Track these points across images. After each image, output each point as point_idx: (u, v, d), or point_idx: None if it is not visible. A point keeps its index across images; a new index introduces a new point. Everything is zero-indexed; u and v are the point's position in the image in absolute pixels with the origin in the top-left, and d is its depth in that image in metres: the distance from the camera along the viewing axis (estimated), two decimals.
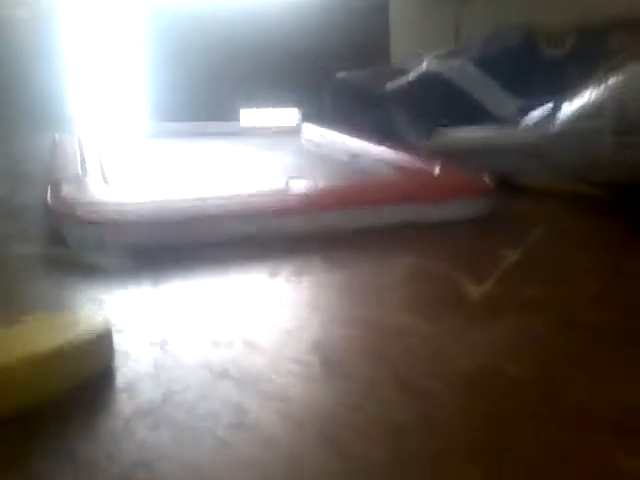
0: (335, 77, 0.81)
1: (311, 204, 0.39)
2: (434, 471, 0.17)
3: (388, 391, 0.21)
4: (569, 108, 0.50)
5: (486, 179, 0.44)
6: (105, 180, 0.46)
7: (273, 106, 1.05)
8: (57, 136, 0.67)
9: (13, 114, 1.12)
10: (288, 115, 0.93)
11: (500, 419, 0.19)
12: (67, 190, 0.41)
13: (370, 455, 0.17)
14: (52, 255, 0.36)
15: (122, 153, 0.65)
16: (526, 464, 0.17)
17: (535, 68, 0.63)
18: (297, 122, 0.82)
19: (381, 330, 0.25)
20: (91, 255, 0.35)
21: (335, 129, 0.69)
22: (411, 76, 0.70)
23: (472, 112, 0.61)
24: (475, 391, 0.20)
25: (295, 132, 0.77)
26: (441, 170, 0.45)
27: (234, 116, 0.95)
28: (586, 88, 0.50)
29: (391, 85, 0.70)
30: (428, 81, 0.68)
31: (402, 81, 0.70)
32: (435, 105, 0.65)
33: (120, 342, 0.24)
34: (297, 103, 1.01)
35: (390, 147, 0.56)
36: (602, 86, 0.49)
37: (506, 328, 0.25)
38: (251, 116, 0.94)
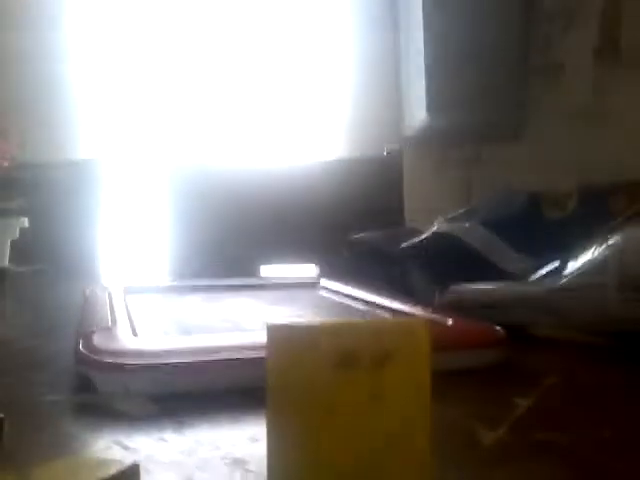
0: (352, 237, 0.85)
1: None
2: None
3: None
4: (574, 265, 0.53)
5: (497, 330, 0.45)
6: (133, 331, 0.48)
7: (292, 263, 1.09)
8: (87, 289, 0.70)
9: (46, 267, 1.18)
10: (306, 271, 0.97)
11: None
12: (97, 340, 0.43)
13: None
14: (81, 401, 0.37)
15: (148, 306, 0.68)
16: None
17: (540, 228, 0.67)
18: (315, 277, 0.85)
19: None
20: (118, 401, 0.36)
21: (352, 285, 0.72)
22: (424, 236, 0.74)
23: (482, 269, 0.64)
24: None
25: (313, 286, 0.79)
26: (454, 321, 0.47)
27: (254, 272, 0.98)
28: (589, 247, 0.54)
29: (405, 245, 0.74)
30: (440, 240, 0.72)
31: (415, 241, 0.74)
32: (447, 263, 0.68)
33: None
34: (315, 260, 1.05)
35: (405, 301, 0.58)
36: (604, 246, 0.52)
37: (518, 474, 0.26)
38: (270, 272, 0.98)
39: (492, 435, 0.29)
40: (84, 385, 0.39)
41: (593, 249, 0.53)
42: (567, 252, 0.55)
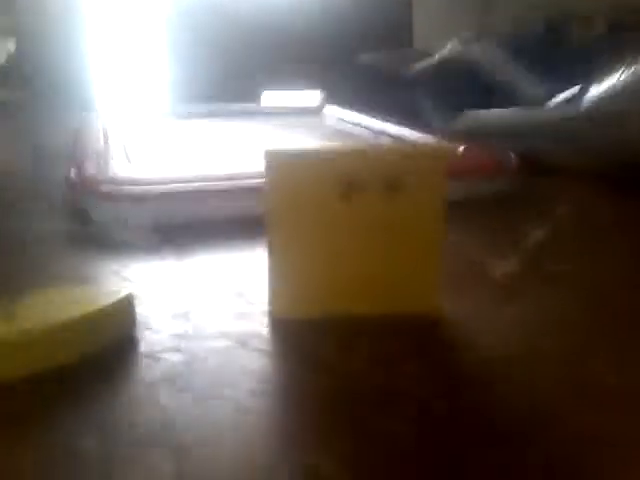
0: (358, 59, 0.80)
1: None
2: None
3: (411, 367, 0.21)
4: (596, 91, 0.49)
5: (511, 157, 0.43)
6: (128, 159, 0.46)
7: (295, 88, 1.05)
8: (82, 116, 0.68)
9: (40, 93, 1.13)
10: (310, 97, 0.92)
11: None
12: (91, 168, 0.41)
13: (391, 429, 0.17)
14: (76, 231, 0.36)
15: (144, 133, 0.65)
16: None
17: (563, 51, 0.62)
18: (319, 103, 0.82)
19: None
20: (115, 231, 0.35)
21: (357, 111, 0.68)
22: (435, 59, 0.69)
23: (496, 95, 0.61)
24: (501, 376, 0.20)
25: (317, 113, 0.76)
26: (464, 149, 0.45)
27: (256, 98, 0.94)
28: (614, 72, 0.50)
29: (415, 68, 0.70)
30: (453, 64, 0.67)
31: (426, 64, 0.69)
32: (459, 88, 0.64)
33: (143, 313, 0.24)
34: (319, 85, 1.01)
35: (413, 128, 0.56)
36: (630, 70, 0.48)
37: (528, 306, 0.25)
38: (273, 98, 0.94)
39: (502, 265, 0.28)
40: (79, 214, 0.37)
41: (618, 74, 0.49)
42: (590, 77, 0.51)
